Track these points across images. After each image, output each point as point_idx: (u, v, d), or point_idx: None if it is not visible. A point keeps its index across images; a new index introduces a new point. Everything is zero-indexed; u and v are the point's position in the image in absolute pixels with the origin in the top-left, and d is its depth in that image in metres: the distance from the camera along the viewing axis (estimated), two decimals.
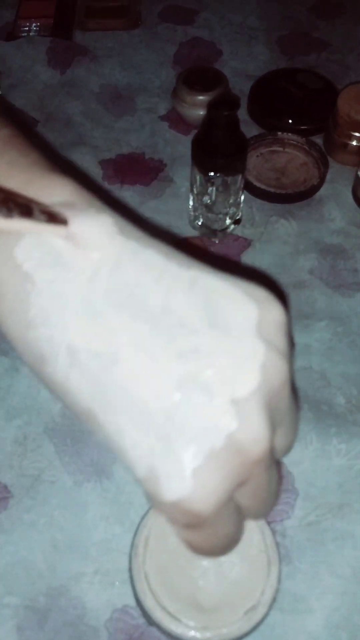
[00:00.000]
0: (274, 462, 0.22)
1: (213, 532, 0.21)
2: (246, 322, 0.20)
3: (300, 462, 0.40)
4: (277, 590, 0.34)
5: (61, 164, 0.23)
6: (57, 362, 0.20)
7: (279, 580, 0.34)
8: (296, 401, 0.23)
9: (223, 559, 0.34)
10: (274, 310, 0.21)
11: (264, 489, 0.22)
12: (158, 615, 0.32)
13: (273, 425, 0.21)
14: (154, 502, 0.20)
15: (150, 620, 0.34)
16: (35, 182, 0.22)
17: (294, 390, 0.22)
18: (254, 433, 0.19)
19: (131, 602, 0.35)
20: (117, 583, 0.36)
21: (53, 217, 0.20)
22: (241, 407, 0.19)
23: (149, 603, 0.33)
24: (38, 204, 0.21)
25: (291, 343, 0.23)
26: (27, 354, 0.21)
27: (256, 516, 0.24)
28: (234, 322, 0.20)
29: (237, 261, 0.50)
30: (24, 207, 0.20)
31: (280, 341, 0.21)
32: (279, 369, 0.20)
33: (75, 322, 0.20)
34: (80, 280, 0.20)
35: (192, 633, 0.32)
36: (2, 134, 0.23)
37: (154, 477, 0.20)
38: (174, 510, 0.20)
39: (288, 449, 0.24)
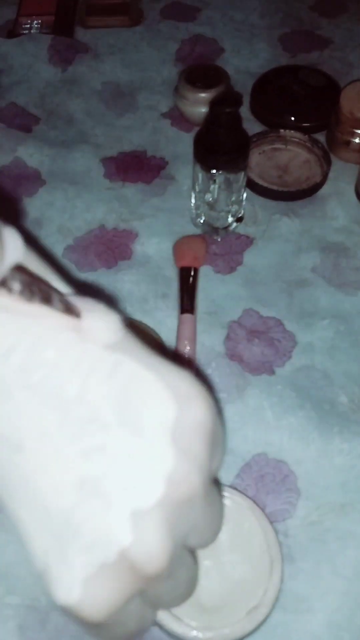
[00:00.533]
0: (184, 561, 0.21)
1: (109, 632, 0.21)
2: (161, 422, 0.19)
3: (303, 461, 0.40)
4: (279, 590, 0.33)
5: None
6: None
7: (282, 580, 0.34)
8: (218, 498, 0.22)
9: (225, 558, 0.34)
10: (195, 410, 0.20)
11: (163, 597, 0.21)
12: (159, 615, 0.32)
13: (179, 535, 0.20)
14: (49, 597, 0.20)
15: None
16: None
17: (217, 482, 0.21)
18: (149, 551, 0.19)
19: None
20: None
21: (69, 309, 0.20)
22: (139, 521, 0.19)
23: None
24: (58, 293, 0.20)
25: (220, 439, 0.21)
26: None
27: (166, 609, 0.24)
28: (148, 421, 0.19)
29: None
30: (45, 294, 0.20)
31: (196, 447, 0.20)
32: (187, 481, 0.19)
33: None
34: None
35: (194, 633, 0.32)
36: None
37: (48, 577, 0.19)
38: (66, 612, 0.19)
39: (207, 543, 0.23)
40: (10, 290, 0.19)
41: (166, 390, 0.20)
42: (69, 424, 0.19)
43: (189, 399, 0.20)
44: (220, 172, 0.47)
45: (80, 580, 0.19)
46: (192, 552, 0.23)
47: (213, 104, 0.44)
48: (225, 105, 0.43)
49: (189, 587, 0.23)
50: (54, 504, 0.19)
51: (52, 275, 0.22)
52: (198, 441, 0.20)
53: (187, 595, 0.23)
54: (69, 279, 0.21)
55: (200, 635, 0.32)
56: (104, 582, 0.19)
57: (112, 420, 0.19)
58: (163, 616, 0.32)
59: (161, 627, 0.33)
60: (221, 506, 0.23)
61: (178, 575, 0.21)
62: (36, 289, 0.19)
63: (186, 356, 0.44)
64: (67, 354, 0.20)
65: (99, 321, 0.20)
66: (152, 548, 0.19)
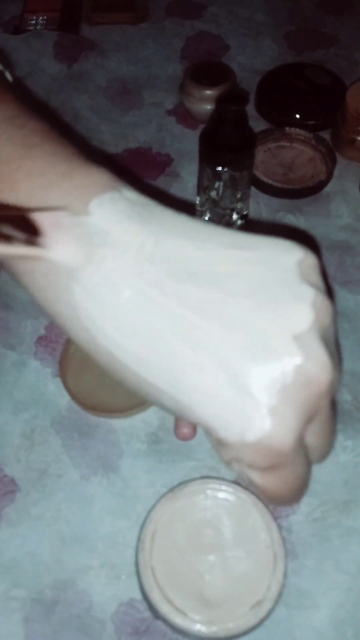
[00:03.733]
0: (333, 399, 0.23)
1: (291, 472, 0.22)
2: (288, 268, 0.22)
3: None
4: (283, 586, 0.34)
5: (94, 156, 0.24)
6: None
7: (285, 576, 0.34)
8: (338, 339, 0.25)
9: (229, 554, 0.34)
10: (310, 257, 0.23)
11: (329, 425, 0.23)
12: (164, 609, 0.33)
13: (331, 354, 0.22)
14: (234, 448, 0.21)
15: (156, 614, 0.34)
16: (76, 171, 0.23)
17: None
18: (319, 363, 0.20)
19: (137, 595, 0.35)
20: (123, 577, 0.36)
21: (31, 240, 0.21)
22: (303, 341, 0.20)
23: (155, 597, 0.33)
24: (22, 216, 0.22)
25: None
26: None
27: (320, 457, 0.25)
28: (277, 269, 0.22)
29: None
30: (2, 236, 0.21)
31: (321, 282, 0.22)
32: (326, 306, 0.21)
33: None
34: (129, 256, 0.21)
35: (197, 627, 0.32)
36: (42, 127, 0.25)
37: (232, 423, 0.20)
38: (255, 452, 0.21)
39: (338, 383, 0.25)
40: None
41: (282, 245, 0.22)
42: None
43: (300, 248, 0.23)
44: (225, 170, 0.47)
45: (267, 408, 0.20)
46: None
47: (219, 102, 0.44)
48: (231, 103, 0.43)
49: (336, 433, 0.25)
50: (222, 354, 0.20)
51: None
52: (320, 277, 0.22)
53: (333, 445, 0.25)
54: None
55: (204, 629, 0.32)
56: (288, 403, 0.20)
57: (241, 268, 0.22)
58: (167, 610, 0.33)
59: (166, 621, 0.33)
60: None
61: (333, 409, 0.23)
62: None
63: None
64: (189, 241, 0.22)
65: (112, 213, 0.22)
66: (320, 360, 0.20)
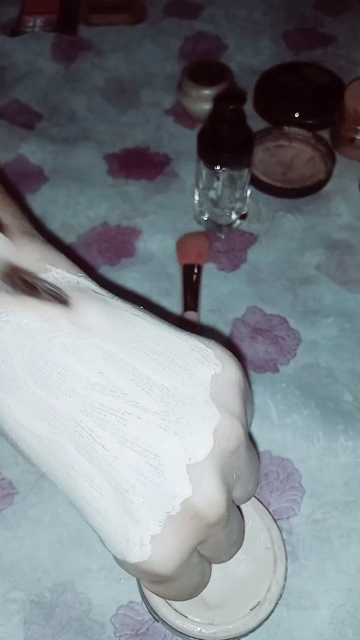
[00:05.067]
0: (234, 513, 0.23)
1: (177, 586, 0.22)
2: (200, 384, 0.21)
3: (307, 459, 0.40)
4: (283, 587, 0.33)
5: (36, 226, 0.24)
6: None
7: (285, 577, 0.34)
8: (255, 452, 0.24)
9: None
10: (228, 370, 0.21)
11: (223, 543, 0.23)
12: (164, 611, 0.32)
13: (229, 484, 0.21)
14: (117, 562, 0.21)
15: (156, 617, 0.33)
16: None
17: (251, 440, 0.23)
18: (209, 498, 0.20)
19: (137, 598, 0.35)
20: (122, 579, 0.36)
21: (56, 296, 0.21)
22: (195, 472, 0.20)
23: (155, 599, 0.33)
24: (42, 281, 0.21)
25: (250, 395, 0.23)
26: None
27: (220, 562, 0.25)
28: (188, 385, 0.21)
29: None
30: (28, 284, 0.21)
31: (234, 402, 0.21)
32: (232, 432, 0.20)
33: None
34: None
35: (197, 629, 0.32)
36: None
37: (115, 543, 0.20)
38: (136, 571, 0.21)
39: (249, 496, 0.25)
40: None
41: (201, 357, 0.21)
42: (105, 391, 0.20)
43: (221, 360, 0.21)
44: (224, 169, 0.47)
45: (149, 537, 0.20)
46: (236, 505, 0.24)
47: (217, 101, 0.44)
48: (229, 102, 0.43)
49: (240, 536, 0.25)
50: (114, 471, 0.20)
51: (60, 259, 0.23)
52: (235, 397, 0.21)
53: (239, 544, 0.25)
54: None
55: (204, 631, 0.32)
56: (172, 534, 0.20)
57: (153, 378, 0.21)
58: (167, 612, 0.32)
59: (165, 623, 0.33)
60: (258, 460, 0.24)
61: (232, 524, 0.22)
62: (17, 280, 0.20)
63: None
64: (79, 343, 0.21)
65: (88, 305, 0.21)
66: (211, 494, 0.20)
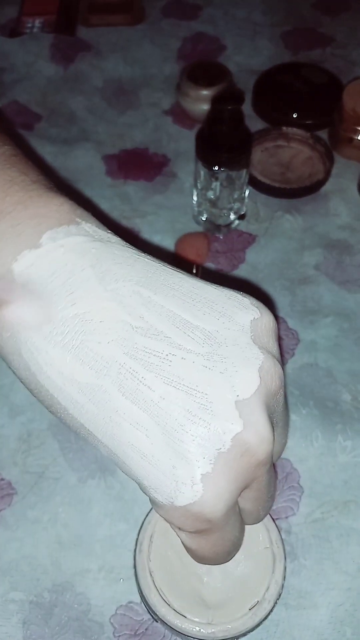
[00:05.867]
0: (272, 465, 0.23)
1: (220, 537, 0.21)
2: (241, 328, 0.21)
3: (306, 459, 0.40)
4: (282, 587, 0.33)
5: (57, 183, 0.24)
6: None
7: (284, 577, 0.34)
8: (287, 406, 0.24)
9: None
10: (265, 317, 0.22)
11: (265, 492, 0.22)
12: (163, 611, 0.32)
13: (273, 423, 0.21)
14: (163, 509, 0.20)
15: (155, 616, 0.34)
16: (33, 200, 0.22)
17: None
18: (259, 433, 0.20)
19: (136, 598, 0.35)
20: (121, 579, 0.36)
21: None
22: (244, 409, 0.20)
23: (154, 599, 0.33)
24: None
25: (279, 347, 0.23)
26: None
27: (255, 520, 0.24)
28: (229, 329, 0.21)
29: (228, 274, 0.50)
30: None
31: (273, 346, 0.22)
32: (275, 372, 0.21)
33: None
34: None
35: (196, 629, 0.32)
36: (3, 152, 0.24)
37: (163, 485, 0.20)
38: (184, 516, 0.20)
39: (280, 452, 0.25)
40: None
41: (238, 304, 0.22)
42: (150, 336, 0.20)
43: (257, 308, 0.22)
44: (222, 170, 0.47)
45: (200, 475, 0.19)
46: None
47: (215, 101, 0.44)
48: (227, 102, 0.43)
49: (274, 492, 0.24)
50: (161, 411, 0.20)
51: (88, 215, 0.23)
52: (274, 341, 0.22)
53: (272, 501, 0.24)
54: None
55: (202, 630, 0.32)
56: (222, 472, 0.19)
57: (194, 322, 0.21)
58: (166, 612, 0.32)
59: (164, 623, 0.33)
60: (289, 417, 0.25)
61: (272, 475, 0.22)
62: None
63: None
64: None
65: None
66: (261, 430, 0.20)
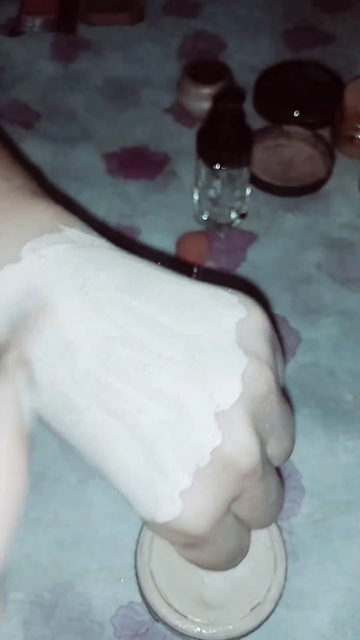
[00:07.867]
0: (271, 471, 0.22)
1: (213, 549, 0.21)
2: (226, 330, 0.20)
3: (307, 459, 0.40)
4: (283, 587, 0.33)
5: (56, 182, 0.23)
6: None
7: (286, 577, 0.34)
8: (289, 406, 0.23)
9: None
10: (254, 316, 0.20)
11: (261, 501, 0.21)
12: (164, 611, 0.32)
13: (262, 434, 0.20)
14: (148, 524, 0.20)
15: (156, 617, 0.33)
16: (15, 208, 0.22)
17: (285, 395, 0.22)
18: (240, 444, 0.19)
19: (137, 598, 0.35)
20: (122, 580, 0.36)
21: None
22: (223, 420, 0.19)
23: (155, 600, 0.33)
24: None
25: (278, 347, 0.22)
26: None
27: (260, 526, 0.23)
28: (212, 332, 0.20)
29: (228, 273, 0.49)
30: None
31: (261, 347, 0.20)
32: (261, 376, 0.19)
33: None
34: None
35: (197, 629, 0.32)
36: None
37: (143, 501, 0.19)
38: (168, 532, 0.19)
39: (286, 455, 0.23)
40: None
41: (223, 301, 0.20)
42: (132, 341, 0.19)
43: (245, 305, 0.21)
44: (223, 168, 0.47)
45: (179, 492, 0.18)
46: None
47: (216, 100, 0.44)
48: (228, 100, 0.43)
49: (280, 498, 0.23)
50: (139, 424, 0.19)
51: (73, 219, 0.23)
52: (262, 342, 0.20)
53: (279, 507, 0.23)
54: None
55: (204, 631, 0.32)
56: (204, 487, 0.19)
57: (175, 328, 0.20)
58: (167, 613, 0.32)
59: (165, 623, 0.33)
60: (292, 415, 0.23)
61: (268, 480, 0.21)
62: None
63: None
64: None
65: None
66: (242, 440, 0.19)
